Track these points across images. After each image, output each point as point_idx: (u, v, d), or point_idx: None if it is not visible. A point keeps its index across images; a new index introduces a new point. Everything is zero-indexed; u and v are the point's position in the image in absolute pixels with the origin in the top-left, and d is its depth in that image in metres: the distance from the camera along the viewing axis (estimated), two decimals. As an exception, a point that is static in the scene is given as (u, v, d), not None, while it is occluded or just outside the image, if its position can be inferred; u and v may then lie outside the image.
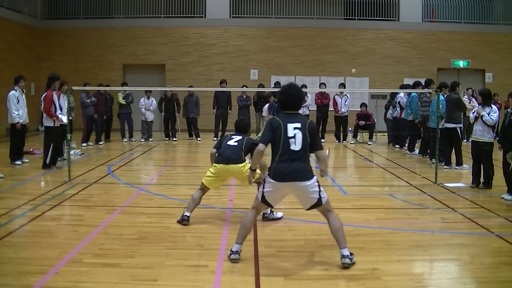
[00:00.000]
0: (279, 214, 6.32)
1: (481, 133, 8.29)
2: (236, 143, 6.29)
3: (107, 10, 19.39)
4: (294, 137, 4.63)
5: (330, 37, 19.08)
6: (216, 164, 6.22)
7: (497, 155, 8.39)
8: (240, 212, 6.75)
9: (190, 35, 19.05)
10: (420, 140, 12.74)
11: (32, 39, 18.39)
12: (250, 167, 5.11)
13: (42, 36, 18.84)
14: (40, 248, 5.10)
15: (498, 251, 5.15)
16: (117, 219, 6.26)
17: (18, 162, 10.40)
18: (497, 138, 8.41)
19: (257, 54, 18.99)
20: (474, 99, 14.04)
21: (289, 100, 4.78)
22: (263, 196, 4.75)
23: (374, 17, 19.14)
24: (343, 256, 4.59)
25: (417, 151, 12.71)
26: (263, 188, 4.76)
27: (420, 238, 5.70)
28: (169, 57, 19.03)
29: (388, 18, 19.26)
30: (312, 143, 4.69)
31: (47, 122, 10.06)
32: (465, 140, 15.75)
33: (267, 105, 13.52)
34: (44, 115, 10.08)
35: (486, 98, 8.37)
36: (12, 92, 10.09)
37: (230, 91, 15.95)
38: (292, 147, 4.62)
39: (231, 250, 4.79)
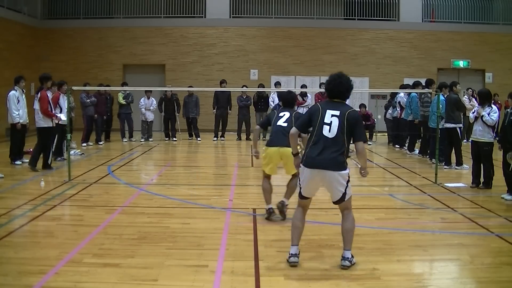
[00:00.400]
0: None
1: (481, 133, 8.29)
2: (286, 124, 6.10)
3: (107, 10, 19.38)
4: (330, 124, 4.51)
5: (330, 37, 19.08)
6: (268, 147, 6.17)
7: (497, 155, 8.39)
8: (240, 212, 6.76)
9: (190, 35, 19.05)
10: (420, 140, 12.74)
11: (32, 39, 18.39)
12: (292, 151, 4.99)
13: (42, 36, 18.84)
14: (40, 248, 5.10)
15: (498, 251, 5.15)
16: (117, 219, 6.26)
17: (18, 162, 10.39)
18: (497, 138, 8.41)
19: (257, 54, 18.99)
20: (474, 99, 14.04)
21: (338, 88, 4.67)
22: (299, 186, 4.70)
23: (374, 17, 19.14)
24: (343, 258, 4.58)
25: (417, 151, 12.72)
26: (299, 179, 4.71)
27: (420, 238, 5.69)
28: (169, 57, 19.03)
29: (388, 18, 19.25)
30: (352, 132, 4.52)
31: (44, 123, 9.89)
32: (465, 140, 15.77)
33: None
34: (40, 115, 9.87)
35: (485, 98, 8.37)
36: (12, 92, 10.08)
37: (230, 91, 15.95)
38: (325, 133, 4.51)
39: (289, 253, 4.64)
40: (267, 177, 6.35)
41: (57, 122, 10.38)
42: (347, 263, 4.56)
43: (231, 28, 19.13)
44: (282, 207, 6.19)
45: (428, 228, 6.13)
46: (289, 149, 5.87)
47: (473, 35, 19.09)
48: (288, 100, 6.46)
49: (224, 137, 16.22)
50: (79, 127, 14.59)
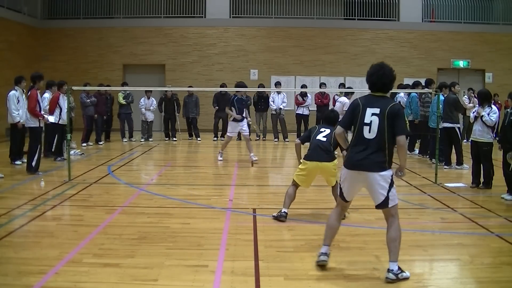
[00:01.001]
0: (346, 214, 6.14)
1: (480, 133, 8.29)
2: (325, 138, 6.20)
3: (107, 10, 19.39)
4: (369, 124, 4.32)
5: (330, 37, 19.08)
6: (307, 161, 6.21)
7: (497, 155, 8.39)
8: (240, 212, 6.76)
9: (190, 35, 19.05)
10: (420, 140, 12.73)
11: (32, 39, 18.39)
12: (343, 148, 4.98)
13: (42, 36, 18.84)
14: (40, 248, 5.10)
15: (498, 251, 5.15)
16: (117, 219, 6.26)
17: (18, 162, 10.38)
18: (497, 138, 8.41)
19: (257, 54, 18.99)
20: (475, 99, 14.03)
21: (382, 80, 4.46)
22: (340, 189, 4.61)
23: (374, 17, 19.14)
24: (388, 270, 4.28)
25: (417, 151, 12.72)
26: (340, 179, 4.62)
27: (420, 238, 5.69)
28: (169, 57, 19.04)
29: (388, 18, 19.26)
30: (392, 126, 4.28)
31: (32, 123, 9.71)
32: (465, 140, 15.77)
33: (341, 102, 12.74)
34: (29, 115, 9.73)
35: (484, 99, 8.38)
36: (13, 92, 10.06)
37: (230, 95, 15.88)
38: (366, 134, 4.33)
39: (320, 252, 4.55)
40: (295, 185, 6.35)
41: (45, 122, 10.23)
42: (390, 275, 4.25)
43: (231, 28, 19.13)
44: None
45: (428, 228, 6.13)
46: (328, 164, 6.08)
47: (473, 35, 19.09)
48: (330, 118, 6.62)
49: (224, 137, 16.21)
50: (79, 127, 14.59)
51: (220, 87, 15.99)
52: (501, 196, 7.61)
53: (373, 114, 4.34)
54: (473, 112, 8.68)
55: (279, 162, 12.06)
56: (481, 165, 8.44)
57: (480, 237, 5.67)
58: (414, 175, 9.85)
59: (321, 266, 4.54)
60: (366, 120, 4.35)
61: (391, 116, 4.30)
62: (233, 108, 11.16)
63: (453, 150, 10.56)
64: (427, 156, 11.75)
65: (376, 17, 19.16)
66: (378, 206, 4.40)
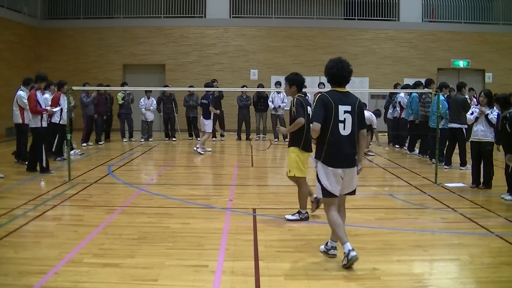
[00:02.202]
0: (303, 211, 6.27)
1: (483, 133, 8.29)
2: None
3: (107, 10, 19.39)
4: (343, 121, 4.58)
5: (330, 37, 19.08)
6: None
7: (497, 155, 8.39)
8: (240, 212, 6.76)
9: (190, 35, 19.05)
10: (420, 140, 12.74)
11: (32, 39, 18.39)
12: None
13: (42, 36, 18.84)
14: (40, 248, 5.10)
15: (498, 251, 5.15)
16: (117, 219, 6.26)
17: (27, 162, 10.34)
18: (495, 140, 8.41)
19: (257, 54, 18.99)
20: (475, 99, 14.03)
21: (342, 73, 4.65)
22: (324, 190, 4.66)
23: (374, 17, 19.14)
24: (352, 249, 4.46)
25: (417, 151, 12.72)
26: (319, 181, 4.69)
27: (420, 238, 5.69)
28: (169, 57, 19.04)
29: (388, 18, 19.26)
30: (360, 123, 4.67)
31: (34, 123, 9.61)
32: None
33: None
34: (30, 116, 9.66)
35: (491, 99, 8.41)
36: (20, 92, 10.03)
37: (221, 91, 15.82)
38: (341, 131, 4.59)
39: (348, 250, 4.49)
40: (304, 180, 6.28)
41: (50, 114, 10.19)
42: (335, 252, 4.81)
43: (231, 28, 19.13)
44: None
45: (428, 228, 6.13)
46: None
47: (473, 35, 19.09)
48: None
49: (223, 136, 16.21)
50: (79, 127, 14.59)
51: (212, 82, 15.89)
52: (501, 196, 7.61)
53: (345, 112, 4.59)
54: (471, 114, 8.65)
55: (279, 162, 12.07)
56: (482, 165, 8.44)
57: (480, 237, 5.67)
58: (414, 175, 9.85)
59: (354, 262, 4.49)
60: (340, 118, 4.58)
61: (360, 112, 4.67)
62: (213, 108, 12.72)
63: (453, 151, 10.57)
64: (427, 156, 11.75)
65: (376, 17, 19.16)
66: (350, 193, 4.80)
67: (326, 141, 4.61)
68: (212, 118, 12.80)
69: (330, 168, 4.62)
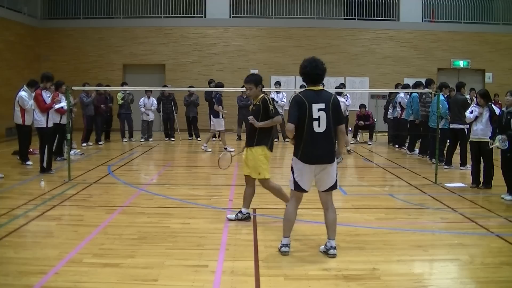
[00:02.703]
0: (244, 211, 6.26)
1: (483, 132, 8.29)
2: None
3: (107, 10, 19.39)
4: (318, 119, 4.70)
5: (330, 37, 19.08)
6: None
7: (497, 155, 8.39)
8: (240, 212, 6.75)
9: (190, 35, 19.06)
10: (420, 140, 12.73)
11: (32, 39, 18.39)
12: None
13: (42, 36, 18.84)
14: (40, 248, 5.10)
15: (498, 251, 5.15)
16: (117, 219, 6.26)
17: (30, 163, 10.34)
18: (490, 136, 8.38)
19: (257, 54, 18.99)
20: (475, 99, 14.02)
21: (315, 71, 4.79)
22: (296, 184, 4.86)
23: (374, 17, 19.14)
24: (332, 247, 4.85)
25: (417, 151, 12.71)
26: (293, 175, 4.87)
27: (420, 238, 5.69)
28: (169, 57, 19.04)
29: (388, 18, 19.26)
30: (336, 119, 4.78)
31: (39, 123, 9.71)
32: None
33: None
34: (36, 116, 9.74)
35: (488, 98, 8.41)
36: (22, 92, 10.02)
37: (217, 92, 15.78)
38: (316, 129, 4.71)
39: (281, 243, 4.95)
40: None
41: (62, 111, 10.29)
42: (335, 251, 4.86)
43: (231, 28, 19.13)
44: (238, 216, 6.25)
45: (428, 228, 6.12)
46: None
47: (473, 35, 19.09)
48: None
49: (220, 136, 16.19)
50: (79, 127, 14.58)
51: (208, 83, 15.87)
52: (501, 196, 7.61)
53: (319, 110, 4.72)
54: (471, 113, 8.63)
55: (279, 162, 12.06)
56: (482, 165, 8.43)
57: (480, 237, 5.67)
58: (414, 175, 9.85)
59: (285, 255, 4.88)
60: (315, 116, 4.71)
61: (334, 108, 4.78)
62: (220, 107, 12.92)
63: (454, 151, 10.56)
64: (427, 156, 11.74)
65: (376, 17, 19.16)
66: (329, 189, 4.88)
67: (302, 138, 4.76)
68: (221, 117, 13.11)
69: (305, 164, 4.76)
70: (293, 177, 4.87)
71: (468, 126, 10.26)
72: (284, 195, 6.18)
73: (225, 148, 12.75)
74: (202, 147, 13.16)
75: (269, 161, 6.11)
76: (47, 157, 9.52)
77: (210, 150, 13.25)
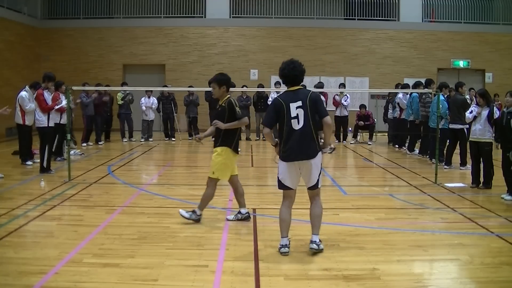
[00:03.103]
0: (244, 211, 6.22)
1: (481, 133, 8.29)
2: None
3: (107, 10, 19.39)
4: (296, 116, 4.80)
5: (330, 37, 19.08)
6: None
7: (497, 155, 8.39)
8: (240, 212, 6.75)
9: (190, 35, 19.05)
10: (420, 140, 12.73)
11: (32, 39, 18.39)
12: (271, 143, 5.16)
13: (42, 36, 18.84)
14: (40, 248, 5.10)
15: (498, 251, 5.15)
16: (117, 219, 6.26)
17: (29, 163, 10.34)
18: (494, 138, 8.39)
19: (257, 54, 18.99)
20: (475, 99, 14.02)
21: (293, 73, 4.98)
22: (279, 183, 4.98)
23: (374, 17, 19.14)
24: (312, 242, 4.90)
25: (417, 151, 12.71)
26: (278, 174, 4.98)
27: (420, 238, 5.69)
28: (169, 57, 19.04)
29: (388, 18, 19.25)
30: (317, 113, 4.84)
31: (41, 123, 9.73)
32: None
33: None
34: (38, 116, 9.76)
35: (487, 98, 8.42)
36: (23, 92, 10.01)
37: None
38: (295, 126, 4.81)
39: (280, 245, 4.99)
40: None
41: (62, 109, 10.29)
42: (315, 246, 4.89)
43: (231, 28, 19.12)
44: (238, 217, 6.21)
45: (428, 228, 6.12)
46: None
47: (473, 35, 19.09)
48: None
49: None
50: (79, 127, 14.58)
51: (209, 83, 15.86)
52: (501, 196, 7.61)
53: (297, 107, 4.83)
54: (470, 113, 8.63)
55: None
56: (481, 165, 8.43)
57: (480, 237, 5.67)
58: (414, 175, 9.85)
59: (285, 255, 4.92)
60: (293, 114, 4.82)
61: (312, 103, 4.85)
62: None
63: (454, 151, 10.56)
64: (427, 156, 11.74)
65: (376, 17, 19.16)
66: (312, 187, 4.94)
67: (283, 138, 4.89)
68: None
69: (287, 162, 4.87)
70: (277, 176, 5.01)
71: (468, 126, 10.27)
72: (204, 203, 6.07)
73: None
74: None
75: (234, 163, 6.06)
76: (47, 157, 9.51)
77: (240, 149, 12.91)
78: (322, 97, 15.51)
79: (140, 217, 6.38)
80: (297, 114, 4.81)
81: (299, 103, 4.83)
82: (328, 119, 4.88)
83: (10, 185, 8.41)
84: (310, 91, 5.03)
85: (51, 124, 9.89)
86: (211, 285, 4.21)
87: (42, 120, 9.72)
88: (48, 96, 9.96)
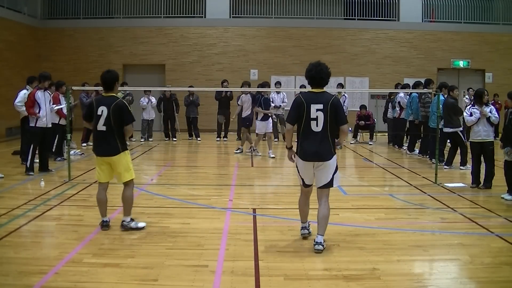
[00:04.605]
0: (141, 224, 5.86)
1: (486, 133, 8.28)
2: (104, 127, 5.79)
3: (107, 10, 19.39)
4: (316, 118, 4.93)
5: (330, 37, 19.08)
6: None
7: (498, 155, 8.39)
8: (240, 212, 6.76)
9: (190, 35, 19.06)
10: (420, 140, 12.73)
11: (32, 39, 18.39)
12: (286, 145, 5.42)
13: (42, 36, 18.85)
14: (40, 248, 5.11)
15: (498, 251, 5.15)
16: (117, 219, 6.25)
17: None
18: (497, 138, 8.39)
19: (257, 54, 18.99)
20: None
21: (320, 75, 5.04)
22: (299, 179, 5.23)
23: (374, 17, 19.15)
24: (317, 242, 5.00)
25: (417, 151, 12.71)
26: (297, 170, 5.23)
27: (420, 238, 5.69)
28: (169, 57, 19.04)
29: (388, 18, 19.26)
30: (336, 119, 4.97)
31: (30, 122, 9.38)
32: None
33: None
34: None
35: (478, 98, 8.44)
36: (23, 91, 9.97)
37: (231, 92, 15.82)
38: (314, 128, 4.96)
39: (301, 227, 5.46)
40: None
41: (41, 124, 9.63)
42: (320, 247, 4.99)
43: (231, 28, 19.13)
44: (127, 225, 5.78)
45: (428, 228, 6.13)
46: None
47: (473, 35, 19.09)
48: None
49: (226, 137, 16.19)
50: (79, 127, 14.56)
51: (222, 83, 15.91)
52: (501, 196, 7.60)
53: (317, 110, 4.95)
54: (470, 115, 8.49)
55: (279, 162, 12.06)
56: (483, 165, 8.41)
57: (480, 237, 5.67)
58: (414, 175, 9.85)
59: (305, 238, 5.41)
60: (313, 116, 4.96)
61: (333, 108, 4.96)
62: (260, 108, 12.23)
63: (455, 153, 10.54)
64: (427, 156, 11.74)
65: (376, 17, 19.16)
66: (322, 186, 5.10)
67: (300, 136, 5.09)
68: (262, 119, 12.24)
69: (303, 161, 5.08)
70: (298, 173, 5.23)
71: (461, 128, 10.23)
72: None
73: (254, 149, 12.63)
74: (270, 156, 12.16)
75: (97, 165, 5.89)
76: (31, 157, 9.23)
77: (259, 153, 12.78)
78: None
79: (140, 217, 6.38)
80: (317, 117, 4.93)
81: (320, 106, 4.94)
82: (346, 128, 5.08)
83: (10, 185, 8.41)
84: (334, 95, 5.12)
85: (39, 124, 9.36)
86: (211, 285, 4.21)
87: (32, 119, 9.40)
88: (41, 97, 9.44)
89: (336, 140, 5.09)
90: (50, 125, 9.74)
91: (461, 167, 10.31)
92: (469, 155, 9.09)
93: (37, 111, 9.30)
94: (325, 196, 5.12)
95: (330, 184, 5.08)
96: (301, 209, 5.43)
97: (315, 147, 4.96)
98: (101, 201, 5.86)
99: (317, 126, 4.95)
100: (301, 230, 5.48)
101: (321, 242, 5.00)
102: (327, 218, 5.09)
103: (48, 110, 9.63)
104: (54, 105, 9.93)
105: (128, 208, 5.87)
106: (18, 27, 17.31)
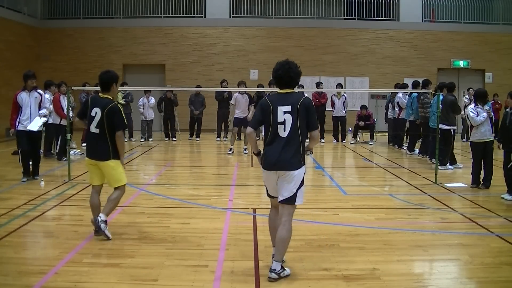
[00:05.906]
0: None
1: (490, 133, 8.28)
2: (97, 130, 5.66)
3: (107, 10, 19.40)
4: (283, 122, 4.29)
5: (330, 37, 19.09)
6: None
7: (497, 155, 8.38)
8: (240, 212, 6.76)
9: (190, 35, 19.06)
10: (420, 140, 12.73)
11: (32, 39, 18.39)
12: (252, 151, 4.72)
13: (42, 36, 18.85)
14: (40, 248, 5.11)
15: (498, 251, 5.15)
16: (117, 219, 6.25)
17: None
18: (497, 138, 8.37)
19: (257, 54, 18.99)
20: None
21: (288, 74, 4.49)
22: (266, 190, 4.54)
23: (374, 17, 19.15)
24: (271, 270, 4.26)
25: (417, 151, 12.71)
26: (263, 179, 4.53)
27: (420, 238, 5.69)
28: (169, 57, 19.04)
29: (388, 18, 19.26)
30: (307, 122, 4.33)
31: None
32: (464, 140, 15.78)
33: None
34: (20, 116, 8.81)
35: (483, 97, 8.43)
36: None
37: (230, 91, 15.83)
38: (281, 133, 4.30)
39: (272, 254, 4.49)
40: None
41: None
42: (273, 275, 4.24)
43: (231, 28, 19.13)
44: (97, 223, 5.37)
45: (428, 228, 6.12)
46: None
47: (473, 35, 19.09)
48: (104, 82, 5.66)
49: (227, 137, 16.19)
50: (79, 127, 14.56)
51: (221, 83, 15.90)
52: (501, 196, 7.60)
53: (285, 112, 4.29)
54: (476, 115, 8.40)
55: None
56: (484, 165, 8.38)
57: (480, 237, 5.67)
58: (414, 175, 9.85)
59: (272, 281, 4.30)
60: (280, 119, 4.30)
61: (303, 110, 4.29)
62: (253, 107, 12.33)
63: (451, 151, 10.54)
64: (427, 156, 11.74)
65: (376, 17, 19.16)
66: (283, 201, 4.32)
67: (265, 143, 4.42)
68: None
69: (265, 170, 4.40)
70: (264, 181, 4.55)
71: (455, 127, 10.19)
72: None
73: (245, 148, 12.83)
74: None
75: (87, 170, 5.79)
76: (22, 163, 8.83)
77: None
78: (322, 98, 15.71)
79: (140, 217, 6.38)
80: (284, 120, 4.27)
81: (289, 107, 4.28)
82: (316, 134, 4.39)
83: (10, 185, 8.41)
84: (304, 96, 4.48)
85: (19, 127, 8.73)
86: (211, 285, 4.21)
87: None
88: (25, 98, 8.77)
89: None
90: (36, 129, 8.87)
91: (440, 167, 9.71)
92: (469, 155, 9.07)
93: (19, 114, 8.67)
94: (287, 214, 4.32)
95: (292, 199, 4.27)
96: (270, 226, 4.58)
97: (278, 155, 4.24)
98: (94, 205, 5.59)
99: (284, 130, 4.26)
100: (272, 257, 4.42)
101: (276, 270, 4.24)
102: (285, 241, 4.29)
103: (33, 112, 8.83)
104: (42, 112, 9.28)
105: (108, 209, 5.49)
106: (18, 27, 17.31)
